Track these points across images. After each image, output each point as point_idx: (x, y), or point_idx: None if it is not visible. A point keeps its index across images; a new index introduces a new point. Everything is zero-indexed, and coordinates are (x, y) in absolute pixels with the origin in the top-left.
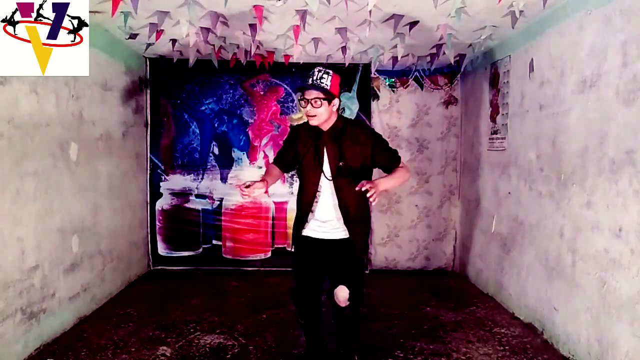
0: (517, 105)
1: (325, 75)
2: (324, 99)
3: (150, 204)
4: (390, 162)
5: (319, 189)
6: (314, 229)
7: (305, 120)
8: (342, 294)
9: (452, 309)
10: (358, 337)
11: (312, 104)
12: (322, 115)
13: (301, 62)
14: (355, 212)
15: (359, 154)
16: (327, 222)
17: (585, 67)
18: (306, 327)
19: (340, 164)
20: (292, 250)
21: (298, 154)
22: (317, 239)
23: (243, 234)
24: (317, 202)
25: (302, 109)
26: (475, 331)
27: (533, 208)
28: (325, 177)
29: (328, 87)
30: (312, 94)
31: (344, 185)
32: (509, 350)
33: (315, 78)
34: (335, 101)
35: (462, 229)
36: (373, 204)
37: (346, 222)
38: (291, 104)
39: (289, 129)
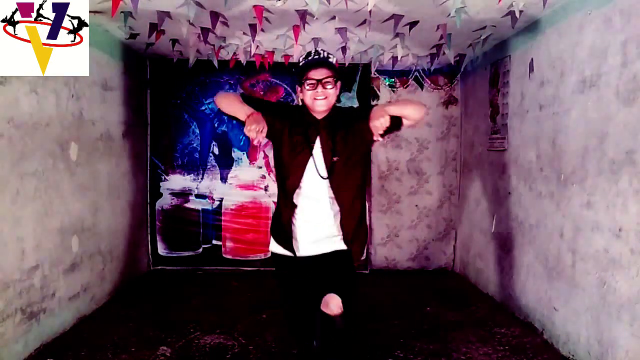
0: (517, 105)
1: (330, 55)
2: (335, 79)
3: (150, 204)
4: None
5: (304, 188)
6: (303, 247)
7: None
8: (334, 301)
9: (452, 309)
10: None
11: (322, 85)
12: (332, 97)
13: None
14: (355, 213)
15: (359, 142)
16: (317, 231)
17: (585, 67)
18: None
19: (334, 159)
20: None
21: (276, 132)
22: (306, 257)
23: (243, 234)
24: (302, 205)
25: (306, 91)
26: (475, 331)
27: (533, 208)
28: (319, 175)
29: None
30: (322, 73)
31: (341, 183)
32: (509, 350)
33: (322, 56)
34: (339, 84)
35: (462, 229)
36: (380, 131)
37: (345, 228)
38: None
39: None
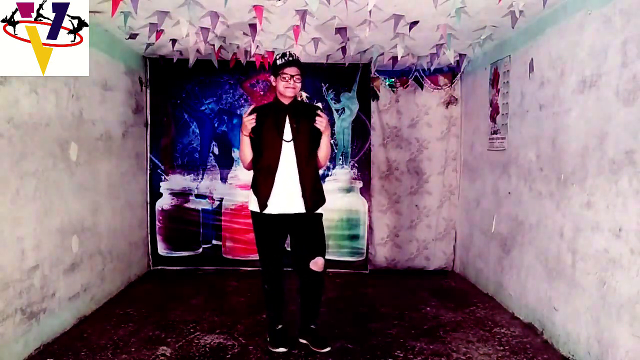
0: (517, 105)
1: (298, 57)
2: (300, 75)
3: (150, 204)
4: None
5: (280, 155)
6: (276, 204)
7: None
8: (320, 262)
9: (452, 309)
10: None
11: (294, 80)
12: (298, 88)
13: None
14: (311, 168)
15: (311, 129)
16: (288, 189)
17: (585, 67)
18: (272, 291)
19: (294, 125)
20: (254, 221)
21: (260, 123)
22: (280, 214)
23: (243, 234)
24: (278, 168)
25: (281, 82)
26: (475, 331)
27: (533, 208)
28: (287, 139)
29: None
30: (294, 71)
31: (300, 148)
32: (509, 350)
33: (294, 58)
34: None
35: (462, 229)
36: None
37: (302, 177)
38: None
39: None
